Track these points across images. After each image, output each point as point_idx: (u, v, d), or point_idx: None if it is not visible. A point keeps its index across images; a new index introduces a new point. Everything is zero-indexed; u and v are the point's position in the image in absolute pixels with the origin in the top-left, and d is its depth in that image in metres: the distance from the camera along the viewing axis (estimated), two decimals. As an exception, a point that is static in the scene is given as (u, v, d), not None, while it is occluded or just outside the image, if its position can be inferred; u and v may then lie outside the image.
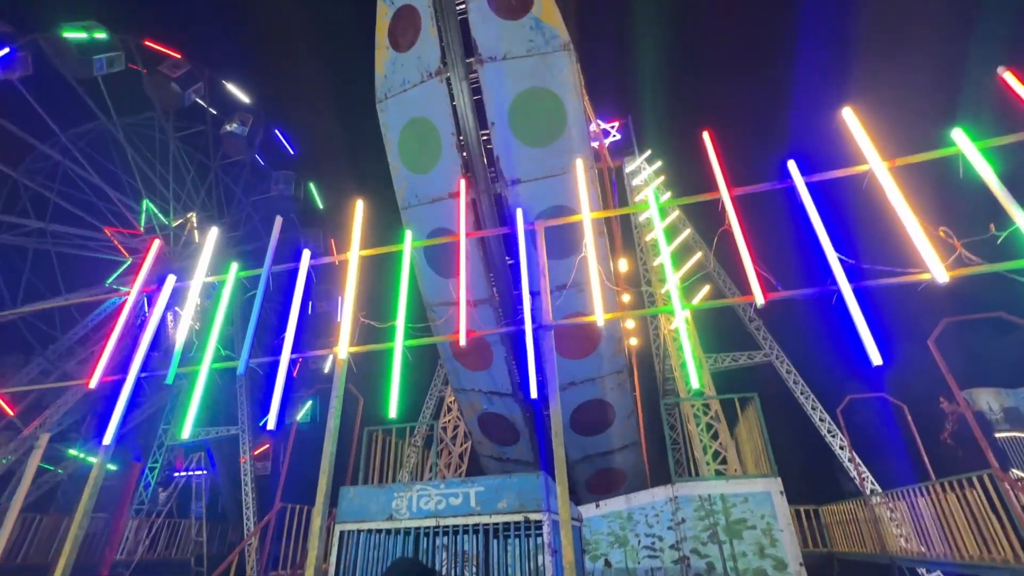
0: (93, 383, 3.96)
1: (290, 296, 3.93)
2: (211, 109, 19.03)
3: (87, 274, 17.79)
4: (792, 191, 3.63)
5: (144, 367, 3.85)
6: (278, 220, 4.25)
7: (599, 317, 3.21)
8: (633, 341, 14.18)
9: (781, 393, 14.07)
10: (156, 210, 18.38)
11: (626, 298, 12.67)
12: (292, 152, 21.36)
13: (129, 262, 17.17)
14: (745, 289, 3.55)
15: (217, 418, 17.91)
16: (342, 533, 3.05)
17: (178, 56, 17.45)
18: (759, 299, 3.04)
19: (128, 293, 4.51)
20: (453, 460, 12.07)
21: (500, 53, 6.02)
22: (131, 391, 3.74)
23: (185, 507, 17.94)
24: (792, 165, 3.71)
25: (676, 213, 15.97)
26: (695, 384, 3.07)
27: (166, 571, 14.87)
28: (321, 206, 22.38)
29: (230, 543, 16.87)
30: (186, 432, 3.80)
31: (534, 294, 3.41)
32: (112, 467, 15.07)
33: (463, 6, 6.21)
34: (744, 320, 15.60)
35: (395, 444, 7.10)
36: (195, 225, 18.70)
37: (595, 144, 18.72)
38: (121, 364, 4.07)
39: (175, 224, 18.22)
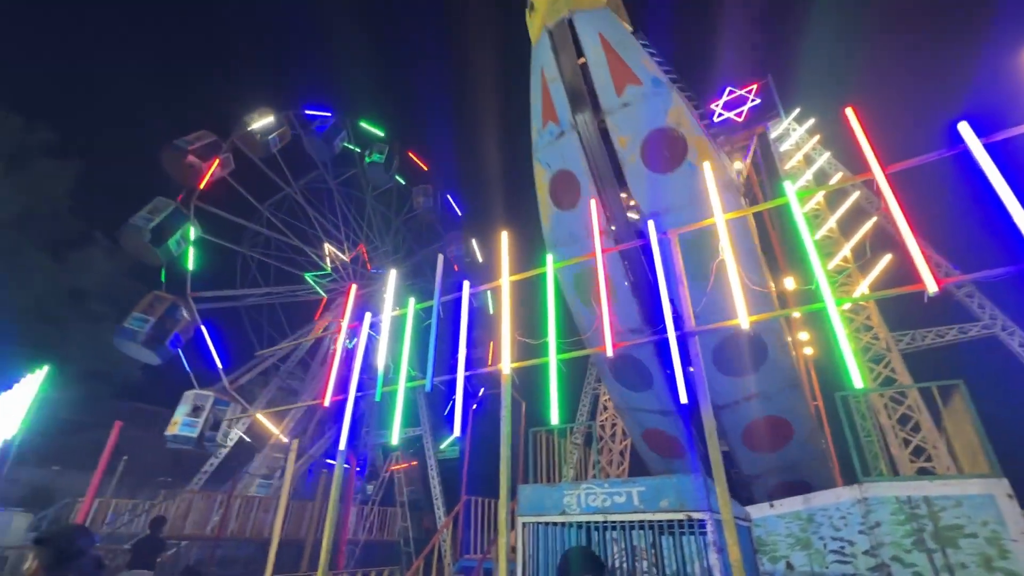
0: (326, 402, 5.09)
1: (457, 322, 4.64)
2: (399, 179, 22.68)
3: (298, 314, 22.29)
4: (963, 158, 3.11)
5: (358, 388, 4.89)
6: (440, 259, 5.03)
7: (743, 319, 3.23)
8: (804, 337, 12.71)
9: (1009, 371, 11.28)
10: (336, 250, 22.15)
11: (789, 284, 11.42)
12: (460, 213, 24.09)
13: (324, 299, 21.02)
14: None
15: (406, 421, 20.73)
16: (524, 524, 3.56)
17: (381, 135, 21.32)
18: (931, 286, 2.74)
19: (337, 330, 5.67)
20: (615, 457, 12.28)
21: (662, 207, 6.17)
22: (352, 407, 4.78)
23: (389, 498, 21.11)
24: (964, 127, 3.16)
25: (839, 175, 13.95)
26: (858, 384, 2.87)
27: (381, 549, 17.72)
28: (480, 259, 24.49)
29: (427, 528, 19.33)
30: (395, 439, 4.72)
31: (674, 303, 3.55)
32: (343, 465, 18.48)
33: (621, 167, 6.46)
34: (951, 287, 12.88)
35: (557, 443, 7.62)
36: (367, 256, 22.15)
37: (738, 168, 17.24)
38: (340, 385, 5.19)
39: (350, 257, 21.79)
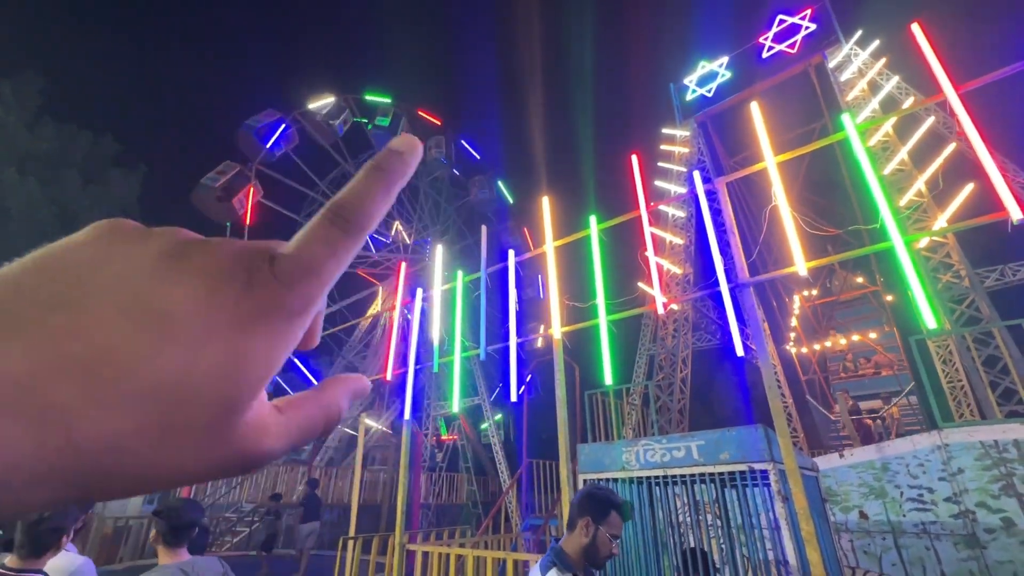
0: (388, 376, 5.35)
1: (504, 289, 4.71)
2: (455, 171, 22.91)
3: (355, 288, 23.20)
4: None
5: (417, 361, 5.10)
6: (484, 229, 5.07)
7: (800, 266, 3.08)
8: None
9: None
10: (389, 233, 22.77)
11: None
12: (478, 157, 23.90)
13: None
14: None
15: (464, 391, 21.43)
16: (585, 482, 3.65)
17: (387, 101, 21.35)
18: (1015, 213, 2.47)
19: (392, 308, 5.88)
20: (673, 416, 12.22)
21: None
22: (413, 379, 5.01)
23: (454, 464, 22.14)
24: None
25: (910, 100, 12.63)
26: (931, 324, 2.66)
27: (452, 511, 18.72)
28: (511, 200, 24.41)
29: (491, 491, 20.19)
30: (455, 406, 4.92)
31: (725, 252, 3.43)
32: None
33: None
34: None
35: (614, 404, 7.67)
36: (401, 230, 22.70)
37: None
38: (399, 359, 5.43)
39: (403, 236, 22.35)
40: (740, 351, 3.46)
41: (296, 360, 18.31)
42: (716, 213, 3.64)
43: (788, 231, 3.01)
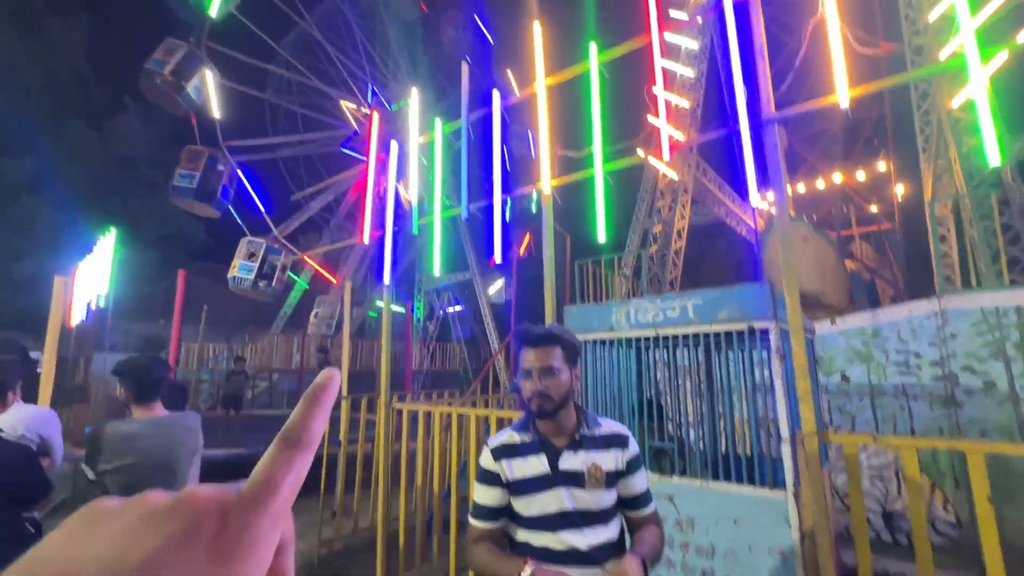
0: (365, 239, 4.96)
1: (488, 140, 4.14)
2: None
3: (338, 165, 21.87)
4: None
5: (394, 222, 4.68)
6: (465, 67, 4.31)
7: (842, 96, 2.54)
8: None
9: None
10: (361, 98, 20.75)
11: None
12: (491, 41, 20.95)
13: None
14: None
15: (454, 266, 21.45)
16: (571, 342, 3.47)
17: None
18: None
19: (364, 165, 5.30)
20: (664, 289, 12.29)
21: None
22: (392, 240, 4.63)
23: (446, 335, 23.04)
24: None
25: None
26: (994, 161, 2.23)
27: (444, 377, 19.88)
28: (492, 40, 21.91)
29: (483, 358, 21.24)
30: (436, 270, 4.62)
31: (748, 82, 2.84)
32: (398, 309, 19.92)
33: None
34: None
35: (605, 275, 7.51)
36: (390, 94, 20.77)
37: None
38: (378, 221, 4.98)
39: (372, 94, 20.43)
40: (755, 199, 3.06)
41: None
42: (740, 32, 2.96)
43: (833, 44, 2.40)
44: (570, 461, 1.52)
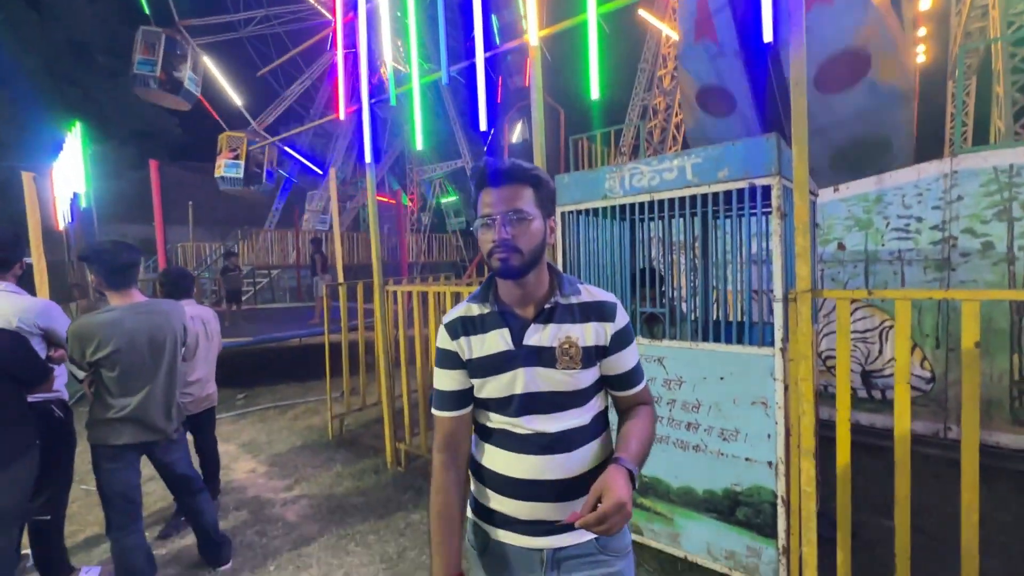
0: (341, 115, 4.56)
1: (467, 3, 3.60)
2: None
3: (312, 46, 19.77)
4: None
5: (371, 94, 4.26)
6: None
7: None
8: None
9: None
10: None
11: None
12: None
13: None
14: None
15: (445, 154, 20.55)
16: (563, 214, 3.33)
17: None
18: None
19: (332, 28, 4.70)
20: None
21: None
22: (370, 113, 4.26)
23: (441, 226, 22.80)
24: None
25: None
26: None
27: (441, 268, 20.08)
28: None
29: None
30: (419, 143, 4.31)
31: None
32: (383, 199, 19.41)
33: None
34: None
35: (600, 151, 7.12)
36: None
37: None
38: (355, 98, 4.54)
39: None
40: (768, 35, 2.71)
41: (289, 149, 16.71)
42: None
43: None
44: (538, 335, 1.23)
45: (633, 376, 1.33)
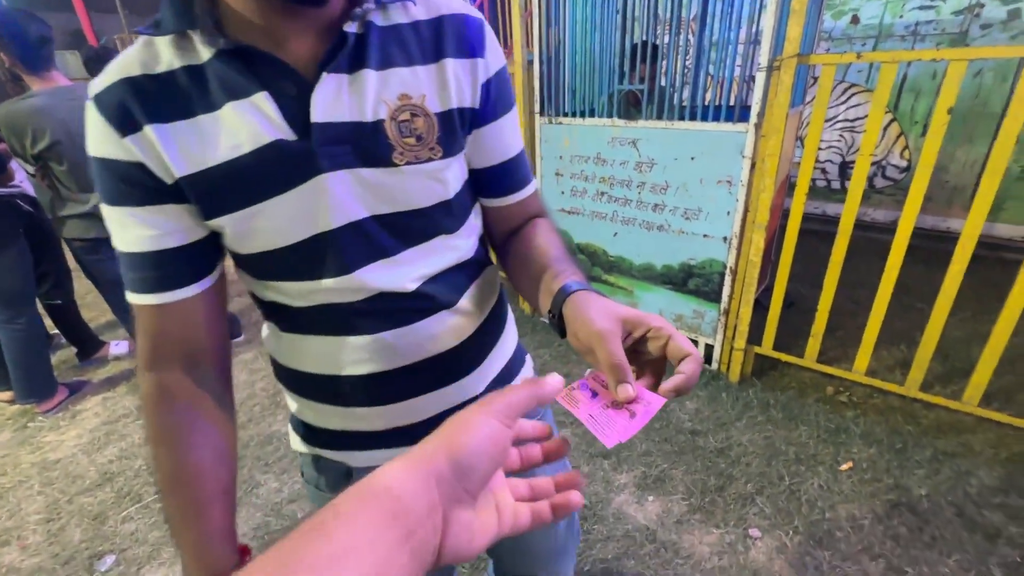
0: None
1: None
2: None
3: None
4: None
5: None
6: None
7: None
8: None
9: None
10: None
11: None
12: None
13: None
14: None
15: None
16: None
17: None
18: None
19: None
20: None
21: None
22: None
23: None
24: None
25: None
26: None
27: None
28: None
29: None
30: None
31: None
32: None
33: None
34: None
35: None
36: None
37: None
38: None
39: None
40: None
41: None
42: None
43: None
44: (342, 99, 0.59)
45: (522, 166, 0.78)
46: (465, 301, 0.76)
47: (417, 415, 0.76)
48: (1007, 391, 2.54)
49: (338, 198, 0.61)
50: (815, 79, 3.70)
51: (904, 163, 4.63)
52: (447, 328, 0.74)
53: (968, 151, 4.26)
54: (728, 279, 2.72)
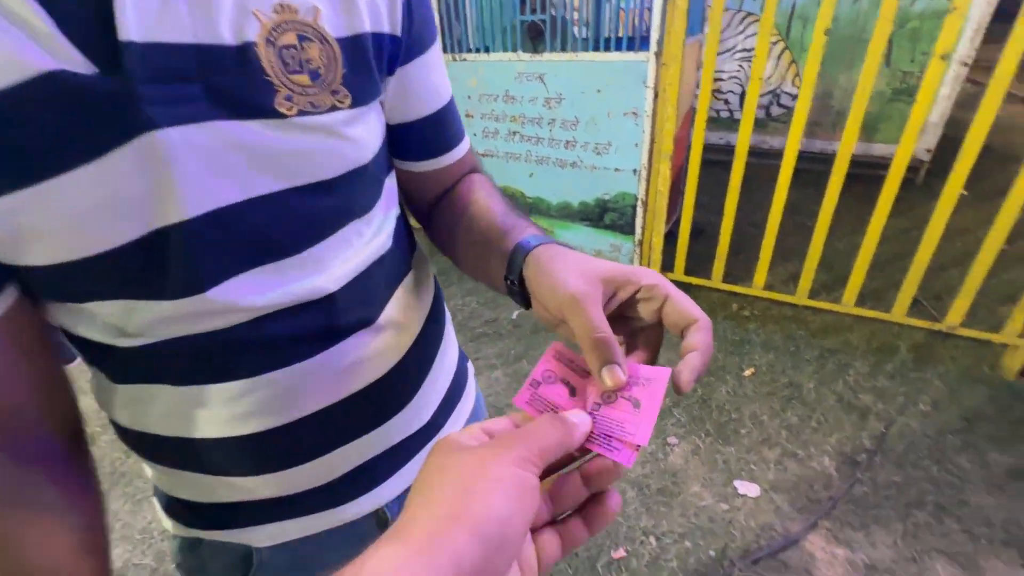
0: None
1: None
2: None
3: None
4: None
5: None
6: None
7: None
8: None
9: None
10: None
11: None
12: None
13: None
14: None
15: None
16: None
17: None
18: None
19: None
20: None
21: None
22: None
23: None
24: None
25: None
26: None
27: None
28: None
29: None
30: None
31: None
32: None
33: None
34: None
35: None
36: None
37: None
38: None
39: None
40: None
41: None
42: None
43: None
44: (172, 5, 0.32)
45: (455, 115, 0.59)
46: (390, 311, 0.53)
47: (334, 472, 0.53)
48: (877, 292, 2.89)
49: (187, 171, 0.35)
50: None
51: (796, 91, 4.91)
52: (368, 354, 0.51)
53: (850, 76, 4.59)
54: (640, 211, 2.81)
